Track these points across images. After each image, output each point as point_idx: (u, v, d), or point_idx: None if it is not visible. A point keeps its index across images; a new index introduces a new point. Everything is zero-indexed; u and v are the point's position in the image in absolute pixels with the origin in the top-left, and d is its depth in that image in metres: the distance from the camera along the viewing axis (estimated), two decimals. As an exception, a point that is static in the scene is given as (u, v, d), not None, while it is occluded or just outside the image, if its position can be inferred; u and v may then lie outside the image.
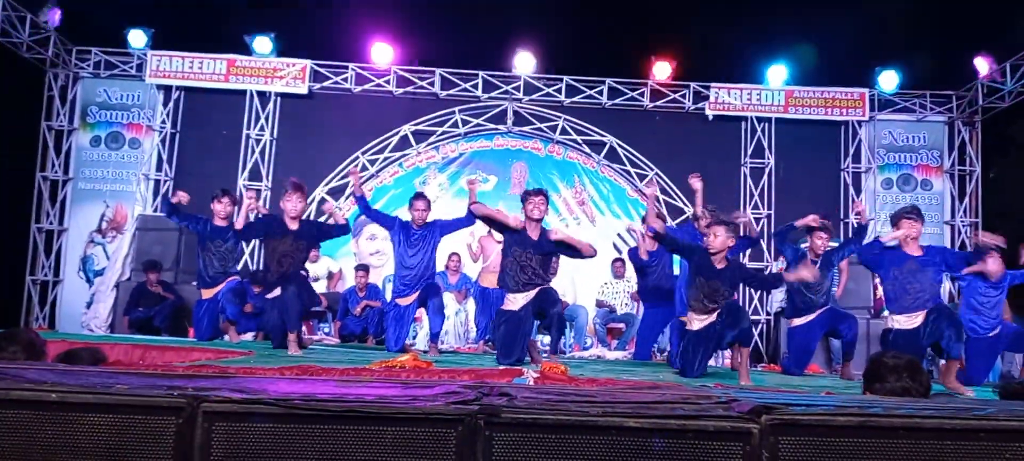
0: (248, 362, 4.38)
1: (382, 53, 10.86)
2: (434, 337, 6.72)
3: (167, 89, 10.99)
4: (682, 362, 5.37)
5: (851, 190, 10.97)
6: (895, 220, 5.69)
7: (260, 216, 6.81)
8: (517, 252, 5.59)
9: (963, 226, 10.81)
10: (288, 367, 3.61)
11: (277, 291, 6.02)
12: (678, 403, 2.32)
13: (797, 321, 6.39)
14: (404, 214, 7.10)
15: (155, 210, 10.54)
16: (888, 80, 10.76)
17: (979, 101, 10.51)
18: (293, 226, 6.12)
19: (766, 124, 11.03)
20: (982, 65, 10.21)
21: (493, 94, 11.06)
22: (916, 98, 11.04)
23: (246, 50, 10.88)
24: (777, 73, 10.89)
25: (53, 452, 2.08)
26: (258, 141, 10.91)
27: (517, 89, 11.05)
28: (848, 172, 11.03)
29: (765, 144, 10.98)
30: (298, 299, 5.92)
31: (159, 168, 10.87)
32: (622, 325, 8.96)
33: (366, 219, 8.43)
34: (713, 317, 5.16)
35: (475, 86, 11.04)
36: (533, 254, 5.58)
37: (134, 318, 8.49)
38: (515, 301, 5.62)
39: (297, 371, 3.46)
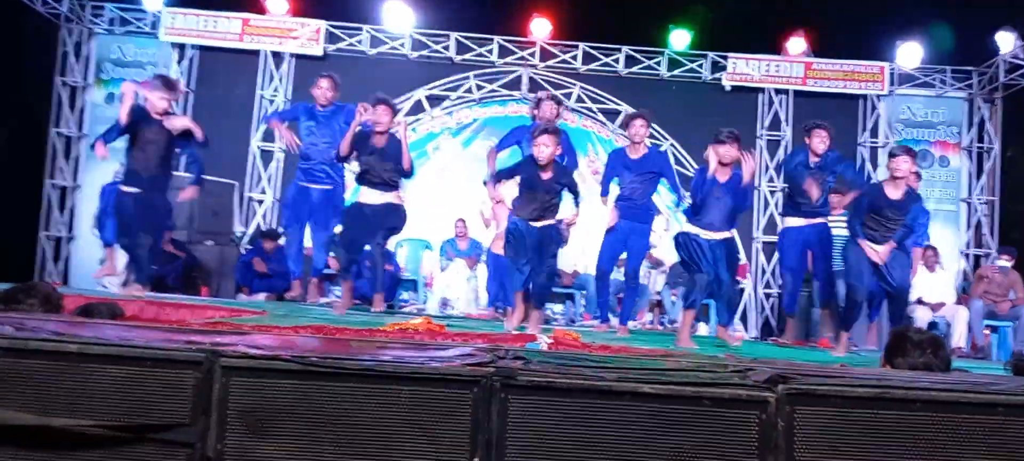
0: (262, 321, 4.40)
1: (398, 15, 10.78)
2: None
3: (181, 47, 10.97)
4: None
5: (868, 165, 10.87)
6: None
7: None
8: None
9: (980, 204, 10.71)
10: (302, 326, 3.63)
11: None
12: (694, 370, 2.32)
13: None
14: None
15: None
16: (909, 54, 10.61)
17: (1000, 78, 10.37)
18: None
19: (784, 96, 10.93)
20: (1004, 41, 10.05)
21: (508, 60, 10.99)
22: (936, 73, 10.90)
23: (261, 9, 10.83)
24: (796, 44, 10.76)
25: (73, 402, 2.10)
26: (272, 102, 10.89)
27: (533, 55, 10.97)
28: (866, 147, 10.93)
29: (782, 116, 10.89)
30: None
31: (173, 127, 10.87)
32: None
33: None
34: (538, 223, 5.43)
35: (490, 51, 10.96)
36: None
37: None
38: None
39: (312, 330, 3.48)
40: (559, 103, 6.56)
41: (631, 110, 10.70)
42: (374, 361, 2.17)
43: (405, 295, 9.61)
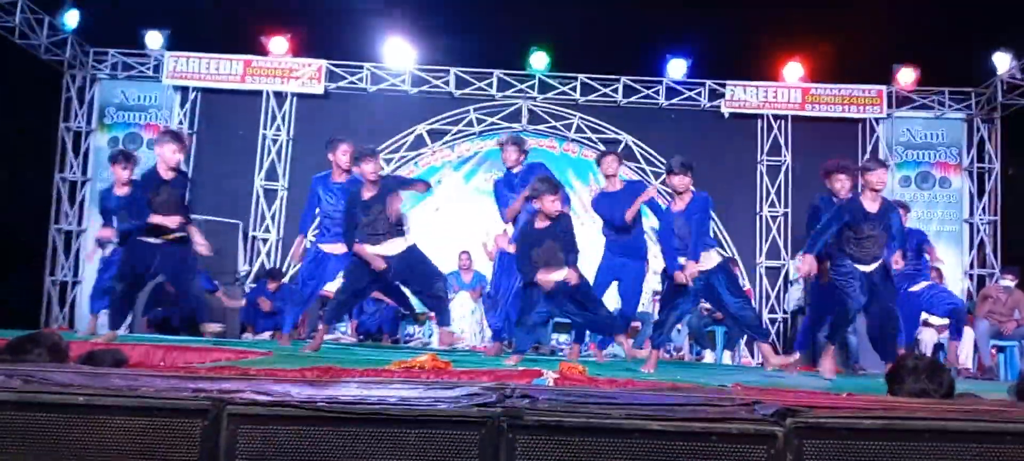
0: (268, 363, 4.39)
1: (397, 52, 10.89)
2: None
3: (184, 90, 11.08)
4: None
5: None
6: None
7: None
8: None
9: (983, 224, 10.71)
10: (309, 368, 3.63)
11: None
12: (701, 405, 2.32)
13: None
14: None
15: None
16: (906, 77, 10.67)
17: (998, 98, 10.41)
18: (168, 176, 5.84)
19: (782, 121, 10.97)
20: (1001, 61, 10.10)
21: (508, 93, 11.07)
22: (934, 95, 10.95)
23: (262, 50, 10.94)
24: (793, 70, 10.83)
25: (82, 454, 2.10)
26: (275, 141, 10.97)
27: (532, 88, 11.06)
28: (866, 169, 10.94)
29: (781, 141, 10.93)
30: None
31: (176, 169, 10.95)
32: (638, 324, 8.93)
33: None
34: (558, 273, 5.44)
35: (490, 85, 11.05)
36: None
37: (153, 318, 8.57)
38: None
39: (318, 372, 3.48)
40: (520, 146, 6.50)
41: (631, 139, 10.82)
42: (381, 405, 2.17)
43: (410, 329, 9.59)
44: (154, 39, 10.78)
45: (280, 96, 11.02)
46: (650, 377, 4.53)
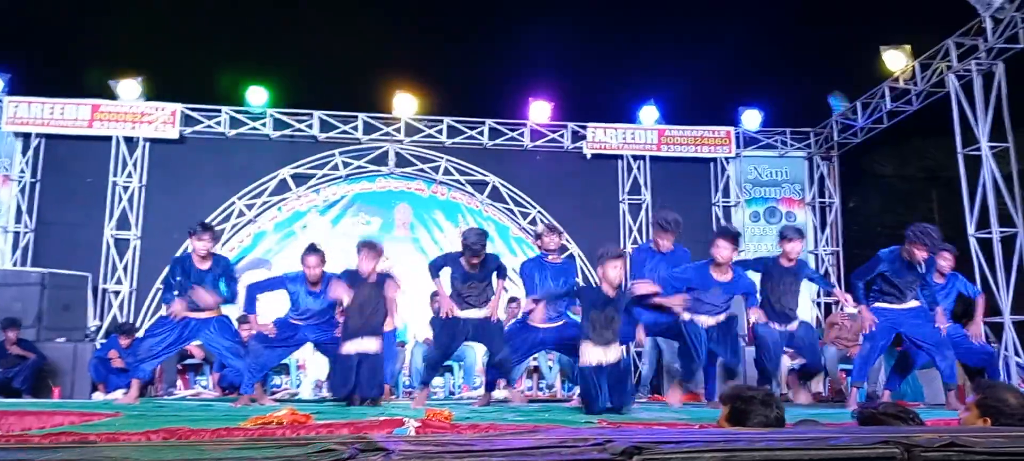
0: (113, 426, 4.14)
1: (257, 96, 10.65)
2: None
3: (26, 137, 10.39)
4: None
5: (722, 223, 11.43)
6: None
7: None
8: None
9: (826, 255, 11.45)
10: (155, 430, 3.44)
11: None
12: (556, 447, 2.35)
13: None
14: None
15: (14, 264, 9.91)
16: (751, 119, 11.36)
17: (834, 137, 11.21)
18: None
19: (641, 162, 11.40)
20: (835, 103, 10.91)
21: (374, 136, 11.01)
22: (777, 135, 11.69)
23: (111, 94, 10.44)
24: (649, 113, 11.32)
25: None
26: (126, 189, 10.45)
27: (398, 131, 11.04)
28: (718, 206, 11.51)
29: (641, 181, 11.33)
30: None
31: (18, 220, 10.24)
32: (508, 364, 8.95)
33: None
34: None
35: (355, 128, 10.96)
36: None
37: (-5, 379, 7.94)
38: None
39: (164, 434, 3.30)
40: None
41: (498, 181, 10.95)
42: (225, 469, 2.08)
43: (277, 380, 9.28)
44: (-10, 83, 10.13)
45: (131, 141, 10.53)
46: (518, 420, 4.56)
